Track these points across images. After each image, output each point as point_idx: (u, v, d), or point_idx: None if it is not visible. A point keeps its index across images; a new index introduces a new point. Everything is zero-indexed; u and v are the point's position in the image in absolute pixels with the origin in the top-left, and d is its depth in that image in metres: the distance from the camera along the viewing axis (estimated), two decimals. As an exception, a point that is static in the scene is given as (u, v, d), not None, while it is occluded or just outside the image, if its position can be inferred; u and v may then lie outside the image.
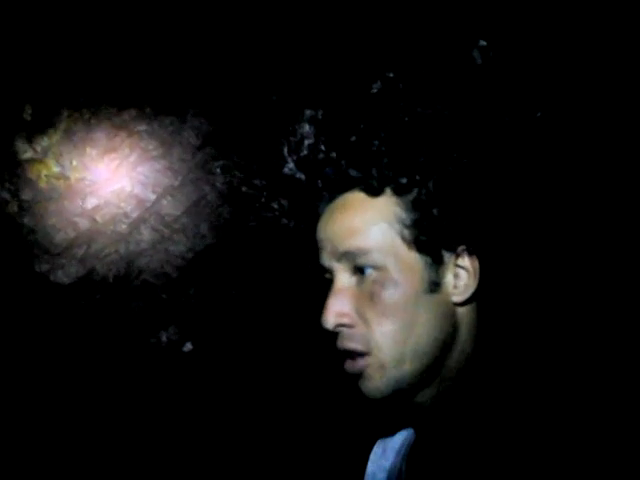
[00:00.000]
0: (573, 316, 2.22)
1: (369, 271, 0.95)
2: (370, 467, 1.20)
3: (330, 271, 1.00)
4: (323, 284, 1.03)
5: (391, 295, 0.94)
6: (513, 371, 0.97)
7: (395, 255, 0.94)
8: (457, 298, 0.98)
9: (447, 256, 0.97)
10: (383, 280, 0.94)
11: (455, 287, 0.98)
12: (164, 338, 3.04)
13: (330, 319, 0.96)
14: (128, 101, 2.75)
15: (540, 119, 2.16)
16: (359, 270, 0.96)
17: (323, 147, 1.03)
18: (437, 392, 0.99)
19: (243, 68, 2.73)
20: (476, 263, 0.98)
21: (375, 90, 2.38)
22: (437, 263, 0.96)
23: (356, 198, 0.98)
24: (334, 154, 1.00)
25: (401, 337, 0.93)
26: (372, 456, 1.21)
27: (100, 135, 2.79)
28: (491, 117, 2.13)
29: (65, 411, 2.95)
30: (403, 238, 0.95)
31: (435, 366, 0.97)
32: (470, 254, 0.98)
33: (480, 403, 0.94)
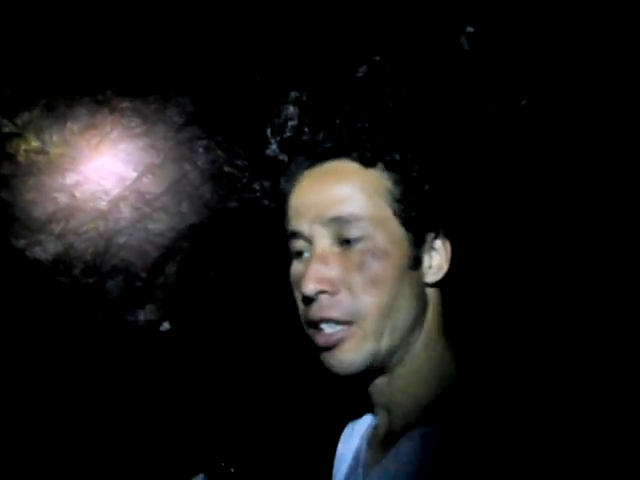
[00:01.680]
0: (534, 312, 2.25)
1: (358, 239, 0.94)
2: (340, 448, 1.20)
3: (308, 238, 0.97)
4: (289, 255, 1.00)
5: (382, 265, 0.93)
6: (476, 360, 0.99)
7: (386, 226, 0.94)
8: (430, 278, 0.99)
9: (427, 236, 0.98)
10: (374, 249, 0.93)
11: (430, 267, 0.99)
12: (142, 317, 3.03)
13: (310, 285, 0.92)
14: (111, 77, 2.72)
15: (525, 107, 2.17)
16: (346, 239, 0.94)
17: (307, 129, 1.02)
18: (399, 374, 0.98)
19: (229, 48, 2.71)
20: (449, 246, 1.00)
21: (361, 73, 2.37)
22: (419, 241, 0.97)
23: (347, 167, 0.96)
24: (321, 132, 0.99)
25: (386, 309, 0.93)
26: (342, 437, 1.21)
27: (82, 110, 2.75)
28: (476, 104, 2.14)
29: (39, 387, 2.93)
30: (393, 212, 0.95)
31: (404, 344, 0.97)
32: (444, 238, 0.99)
33: (442, 392, 0.95)
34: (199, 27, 2.68)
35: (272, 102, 2.49)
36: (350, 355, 0.94)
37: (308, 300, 0.95)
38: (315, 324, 0.96)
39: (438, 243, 0.99)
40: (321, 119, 1.00)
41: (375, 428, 1.08)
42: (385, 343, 0.95)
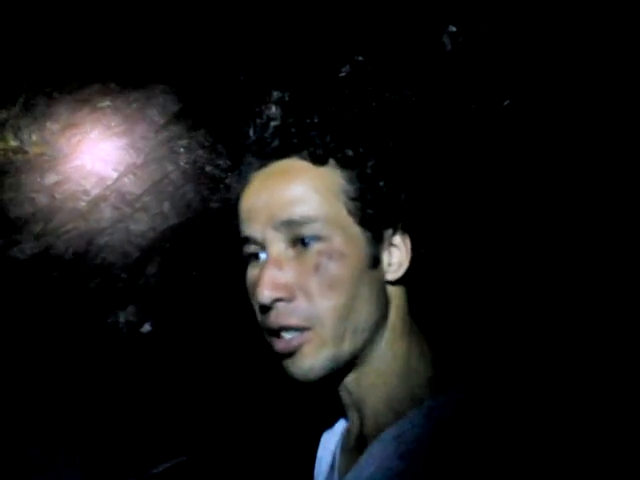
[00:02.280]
0: (494, 300, 2.27)
1: (313, 241, 0.91)
2: (320, 452, 1.19)
3: (261, 243, 0.94)
4: (244, 261, 0.97)
5: (339, 267, 0.90)
6: (445, 356, 0.98)
7: (341, 227, 0.91)
8: (390, 276, 0.96)
9: (385, 233, 0.97)
10: (330, 251, 0.90)
11: (389, 265, 0.97)
12: (122, 318, 3.00)
13: (266, 292, 0.89)
14: (92, 75, 2.69)
15: (507, 107, 2.18)
16: (300, 241, 0.91)
17: (266, 135, 0.99)
18: (366, 374, 0.97)
19: (211, 47, 2.69)
20: (409, 242, 0.97)
21: (344, 73, 2.37)
22: (377, 239, 0.95)
23: (298, 166, 0.92)
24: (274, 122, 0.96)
25: (344, 312, 0.91)
26: (321, 440, 1.20)
27: (61, 109, 2.72)
28: (458, 103, 2.14)
29: (16, 387, 2.90)
30: (348, 211, 0.93)
31: (368, 344, 0.96)
32: (404, 233, 0.98)
33: (411, 389, 0.94)
34: (181, 27, 2.67)
35: (254, 102, 2.48)
36: (309, 361, 0.92)
37: (265, 308, 0.92)
38: (274, 332, 0.94)
39: (397, 239, 0.96)
40: (270, 117, 0.97)
41: (348, 431, 1.07)
42: (347, 347, 0.93)
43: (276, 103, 0.98)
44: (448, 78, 2.09)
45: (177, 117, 2.76)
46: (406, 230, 0.96)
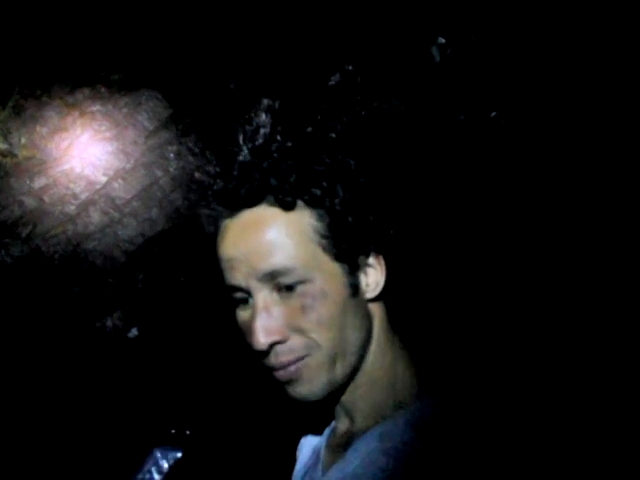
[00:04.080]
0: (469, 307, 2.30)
1: (295, 286, 0.94)
2: (302, 440, 1.22)
3: (246, 290, 0.96)
4: (232, 304, 0.99)
5: (323, 305, 0.94)
6: (424, 365, 1.02)
7: (319, 267, 0.94)
8: (369, 294, 1.00)
9: (360, 259, 0.99)
10: (313, 292, 0.94)
11: (367, 285, 1.00)
12: (109, 323, 2.99)
13: (261, 339, 0.93)
14: (82, 79, 2.69)
15: (494, 119, 2.20)
16: (284, 287, 0.94)
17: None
18: (358, 386, 1.01)
19: (202, 55, 2.70)
20: (382, 260, 1.01)
21: (333, 82, 2.38)
22: (353, 268, 0.98)
23: (268, 213, 0.94)
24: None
25: (336, 342, 0.95)
26: (302, 440, 1.23)
27: (51, 113, 2.72)
28: (447, 114, 2.16)
29: (4, 393, 2.88)
30: (323, 249, 0.95)
31: (358, 362, 0.99)
32: (376, 253, 1.00)
33: (398, 394, 0.98)
34: (172, 33, 2.67)
35: (244, 108, 2.49)
36: (307, 387, 0.97)
37: (263, 352, 0.96)
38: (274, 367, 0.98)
39: (371, 260, 1.00)
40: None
41: (334, 430, 1.11)
42: (339, 370, 0.98)
43: (243, 145, 0.99)
44: (437, 89, 2.11)
45: (167, 123, 2.77)
46: (378, 250, 1.00)
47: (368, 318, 1.01)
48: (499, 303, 2.32)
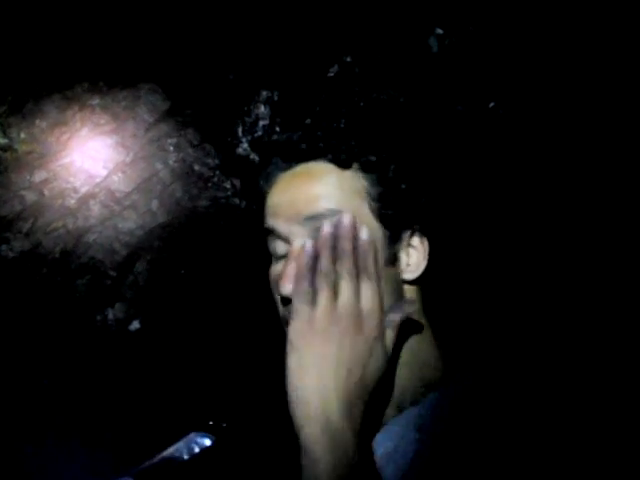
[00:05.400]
0: (511, 304, 2.30)
1: None
2: None
3: (285, 237, 0.97)
4: (268, 256, 1.01)
5: (360, 259, 0.93)
6: (459, 355, 1.01)
7: (362, 221, 0.95)
8: (408, 276, 1.00)
9: (403, 234, 0.99)
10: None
11: (407, 265, 1.00)
12: (111, 316, 3.00)
13: (288, 285, 0.91)
14: (81, 73, 2.69)
15: (493, 109, 2.20)
16: None
17: (282, 130, 1.02)
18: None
19: (201, 46, 2.70)
20: (427, 244, 1.01)
21: (332, 73, 2.38)
22: (395, 238, 0.98)
23: (323, 168, 0.96)
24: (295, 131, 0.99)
25: None
26: None
27: (50, 107, 2.72)
28: (445, 105, 2.16)
29: (6, 389, 2.89)
30: (370, 209, 0.96)
31: None
32: (422, 235, 1.01)
33: (425, 378, 0.98)
34: (171, 25, 2.67)
35: (243, 101, 2.49)
36: None
37: (286, 300, 0.93)
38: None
39: (415, 240, 1.01)
40: (295, 120, 1.00)
41: None
42: None
43: (300, 106, 1.01)
44: (435, 80, 2.12)
45: (166, 115, 2.77)
46: (424, 233, 1.00)
47: (400, 296, 1.00)
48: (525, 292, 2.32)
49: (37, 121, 2.73)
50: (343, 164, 0.95)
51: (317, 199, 0.94)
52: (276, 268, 0.99)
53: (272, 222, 0.97)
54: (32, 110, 2.72)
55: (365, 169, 0.96)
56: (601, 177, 2.36)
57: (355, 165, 0.96)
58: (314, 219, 0.94)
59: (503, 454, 0.82)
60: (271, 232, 0.98)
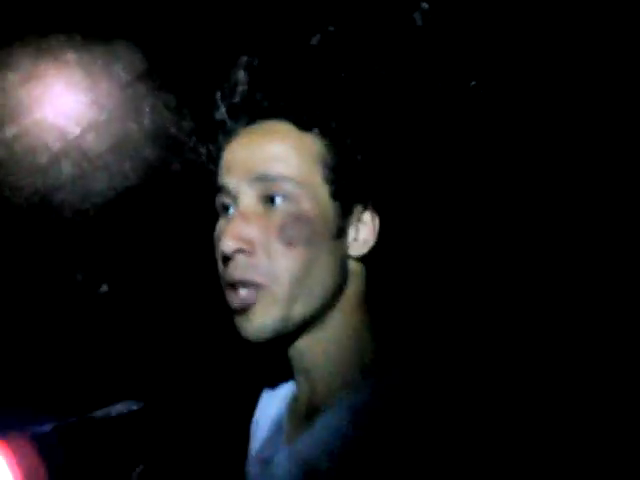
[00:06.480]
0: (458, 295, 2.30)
1: (282, 201, 0.93)
2: (258, 412, 1.21)
3: (233, 195, 0.97)
4: (214, 211, 1.00)
5: (303, 230, 0.93)
6: (395, 335, 1.01)
7: (313, 190, 0.94)
8: (354, 252, 0.99)
9: (354, 208, 0.98)
10: (297, 214, 0.93)
11: (355, 240, 0.99)
12: (79, 278, 2.96)
13: (229, 242, 0.92)
14: (56, 25, 2.61)
15: (474, 88, 2.18)
16: (270, 199, 0.94)
17: (257, 95, 1.01)
18: (319, 341, 0.98)
19: (181, 9, 2.64)
20: (377, 222, 1.00)
21: (315, 42, 2.34)
22: (346, 212, 0.97)
23: (283, 127, 0.96)
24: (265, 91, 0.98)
25: (302, 274, 0.93)
26: (259, 404, 1.22)
27: (23, 59, 2.64)
28: (425, 81, 2.14)
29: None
30: (323, 178, 0.95)
31: (321, 312, 0.97)
32: (373, 212, 1.00)
33: (362, 362, 0.97)
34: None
35: (222, 65, 2.44)
36: (260, 319, 0.94)
37: (226, 259, 0.94)
38: (233, 285, 0.96)
39: (367, 216, 1.00)
40: (262, 79, 0.99)
41: (296, 400, 1.09)
42: (298, 309, 0.95)
43: (267, 65, 1.00)
44: (418, 55, 2.09)
45: (144, 76, 2.70)
46: (376, 209, 0.99)
47: (344, 272, 0.99)
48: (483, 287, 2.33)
49: (9, 73, 2.65)
50: (303, 125, 0.95)
51: (270, 159, 0.95)
52: (221, 225, 0.99)
53: (223, 179, 0.98)
54: (3, 61, 2.64)
55: (324, 134, 0.95)
56: (575, 160, 2.36)
57: (315, 130, 0.96)
58: (263, 180, 0.94)
59: (428, 449, 0.82)
60: (221, 187, 0.98)
